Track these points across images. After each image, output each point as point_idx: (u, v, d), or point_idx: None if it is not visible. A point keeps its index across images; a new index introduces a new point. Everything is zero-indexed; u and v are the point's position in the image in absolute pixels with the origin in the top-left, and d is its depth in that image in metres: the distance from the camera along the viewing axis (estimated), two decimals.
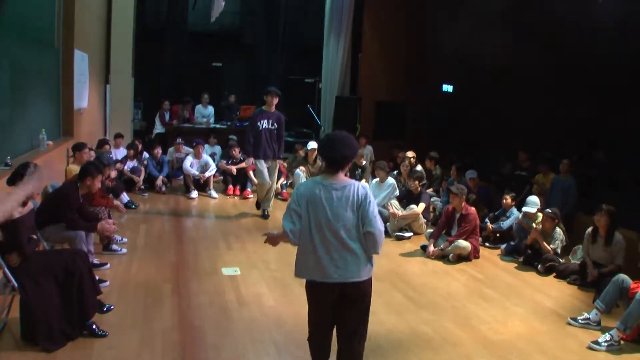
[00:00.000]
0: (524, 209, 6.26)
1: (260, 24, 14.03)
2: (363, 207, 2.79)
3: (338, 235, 2.79)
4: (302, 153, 9.15)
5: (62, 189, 4.80)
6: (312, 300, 2.95)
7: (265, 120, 7.15)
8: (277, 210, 7.82)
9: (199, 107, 11.22)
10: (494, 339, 4.06)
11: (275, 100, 7.17)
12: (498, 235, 6.69)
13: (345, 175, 2.94)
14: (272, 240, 3.03)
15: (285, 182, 8.90)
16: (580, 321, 4.34)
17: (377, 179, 7.50)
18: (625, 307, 4.20)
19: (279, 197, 8.60)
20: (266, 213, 7.48)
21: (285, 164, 9.08)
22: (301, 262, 2.89)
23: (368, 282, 2.89)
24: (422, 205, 6.94)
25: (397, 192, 7.30)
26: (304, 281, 2.98)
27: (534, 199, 6.29)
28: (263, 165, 7.25)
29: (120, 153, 8.69)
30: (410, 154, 8.73)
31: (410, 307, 4.61)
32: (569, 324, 4.37)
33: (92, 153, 6.82)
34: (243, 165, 8.64)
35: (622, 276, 4.38)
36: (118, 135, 8.94)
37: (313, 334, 3.02)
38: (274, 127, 7.21)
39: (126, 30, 10.14)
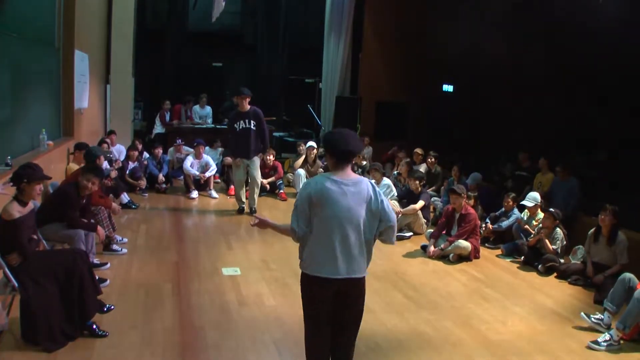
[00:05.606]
0: (522, 202, 6.33)
1: (261, 24, 14.03)
2: (378, 203, 2.84)
3: (348, 230, 2.79)
4: (301, 150, 9.14)
5: (64, 188, 4.80)
6: (310, 299, 2.90)
7: (242, 121, 7.18)
8: (275, 210, 7.83)
9: (196, 107, 11.22)
10: (494, 339, 4.06)
11: (246, 101, 7.17)
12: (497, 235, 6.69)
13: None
14: (262, 225, 2.99)
15: (281, 181, 8.87)
16: (593, 320, 4.27)
17: (373, 181, 7.49)
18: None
19: (277, 197, 8.60)
20: (253, 209, 7.42)
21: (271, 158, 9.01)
22: (311, 256, 2.84)
23: (364, 281, 2.92)
24: (420, 203, 6.96)
25: (393, 192, 7.30)
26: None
27: (534, 194, 6.34)
28: (239, 165, 7.31)
29: (116, 150, 8.66)
30: (419, 150, 8.95)
31: (411, 306, 4.61)
32: (582, 318, 4.31)
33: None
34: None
35: (629, 275, 4.26)
36: (111, 132, 8.84)
37: (313, 336, 2.96)
38: (253, 125, 7.19)
39: (126, 30, 10.13)
